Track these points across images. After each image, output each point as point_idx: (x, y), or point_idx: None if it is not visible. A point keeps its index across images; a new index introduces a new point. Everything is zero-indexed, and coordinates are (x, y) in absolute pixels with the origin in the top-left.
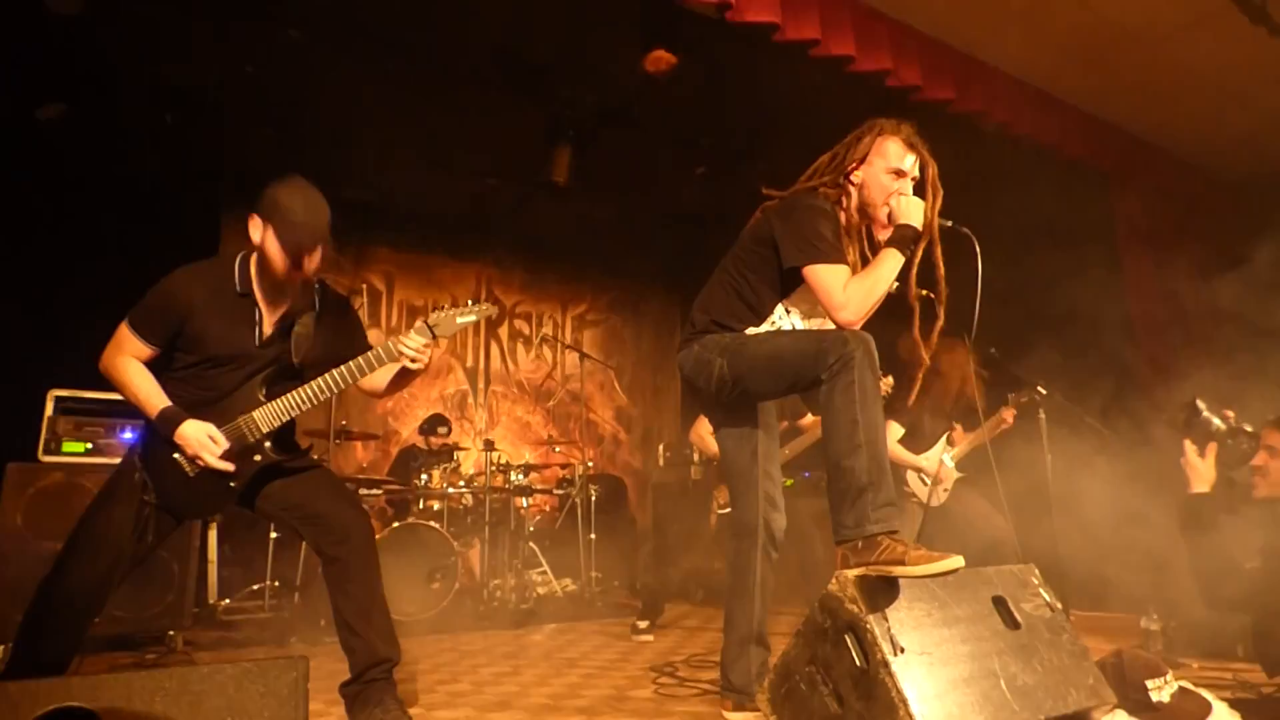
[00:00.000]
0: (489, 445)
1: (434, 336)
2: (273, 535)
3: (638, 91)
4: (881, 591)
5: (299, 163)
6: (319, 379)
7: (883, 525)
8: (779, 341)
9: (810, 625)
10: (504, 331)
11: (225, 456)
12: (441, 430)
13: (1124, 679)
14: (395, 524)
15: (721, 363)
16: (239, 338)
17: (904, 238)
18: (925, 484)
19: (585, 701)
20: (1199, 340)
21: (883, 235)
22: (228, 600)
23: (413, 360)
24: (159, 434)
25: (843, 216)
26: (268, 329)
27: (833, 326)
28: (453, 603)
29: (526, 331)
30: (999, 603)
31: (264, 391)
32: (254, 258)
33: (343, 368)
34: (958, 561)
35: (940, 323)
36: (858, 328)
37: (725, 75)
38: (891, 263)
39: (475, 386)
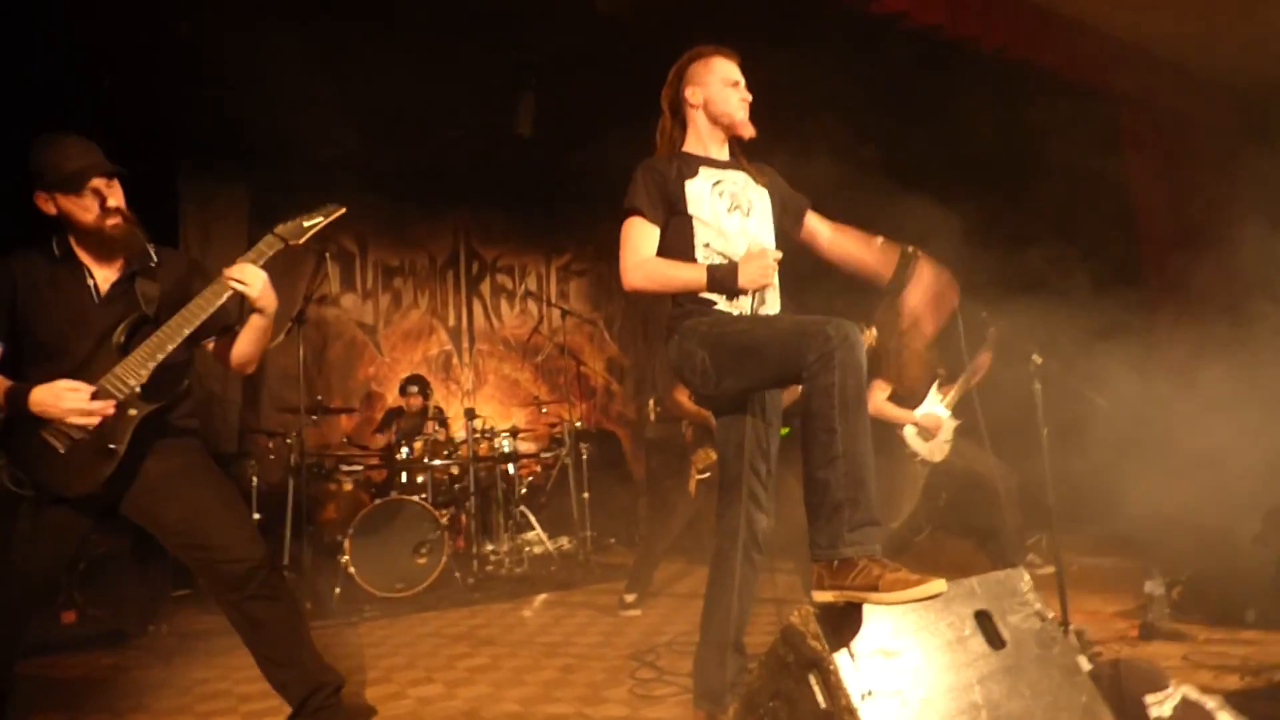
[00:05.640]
0: (470, 414)
1: (285, 244)
2: (255, 516)
3: (601, 33)
4: (848, 624)
5: (254, 125)
6: (175, 315)
7: (858, 547)
8: (758, 332)
9: (773, 657)
10: (486, 287)
11: (104, 413)
12: (411, 389)
13: (1121, 693)
14: (377, 500)
15: (703, 354)
16: (74, 298)
17: (721, 282)
18: (925, 440)
19: (557, 707)
20: (1210, 258)
21: (746, 134)
22: None
23: (240, 284)
24: (16, 420)
25: (699, 146)
26: (104, 287)
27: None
28: (442, 576)
29: (510, 286)
30: (982, 618)
31: (121, 346)
32: (67, 230)
33: (198, 297)
34: (938, 586)
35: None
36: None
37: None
38: (694, 279)
39: (460, 346)
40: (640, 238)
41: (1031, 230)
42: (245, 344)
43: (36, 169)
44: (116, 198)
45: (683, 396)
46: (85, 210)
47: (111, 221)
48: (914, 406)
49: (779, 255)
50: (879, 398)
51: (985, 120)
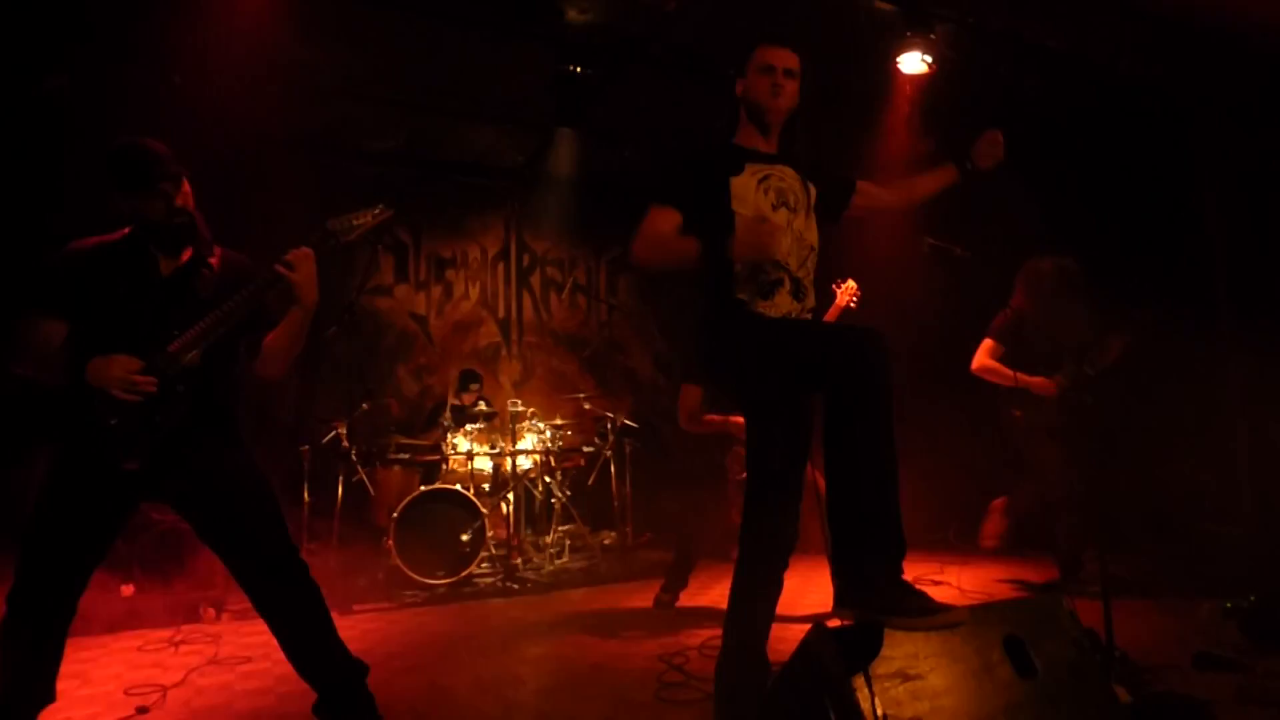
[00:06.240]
0: (516, 406)
1: (337, 240)
2: (307, 499)
3: (658, 21)
4: (868, 645)
5: (317, 117)
6: (228, 301)
7: (880, 567)
8: (786, 339)
9: (790, 674)
10: (536, 280)
11: (147, 389)
12: (473, 387)
13: None
14: (422, 488)
15: (734, 358)
16: (136, 281)
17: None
18: (1025, 406)
19: (583, 706)
20: None
21: (773, 118)
22: None
23: (289, 269)
24: (74, 392)
25: (746, 139)
26: (165, 270)
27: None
28: (482, 565)
29: (559, 279)
30: (1012, 644)
31: (177, 327)
32: (136, 224)
33: (252, 284)
34: (959, 615)
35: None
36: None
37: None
38: (690, 249)
39: (508, 338)
40: (656, 217)
41: (1095, 239)
42: (278, 338)
43: (112, 171)
44: (184, 196)
45: (689, 404)
46: (155, 209)
47: (180, 219)
48: (1027, 372)
49: (778, 227)
50: (985, 356)
51: (1043, 116)
